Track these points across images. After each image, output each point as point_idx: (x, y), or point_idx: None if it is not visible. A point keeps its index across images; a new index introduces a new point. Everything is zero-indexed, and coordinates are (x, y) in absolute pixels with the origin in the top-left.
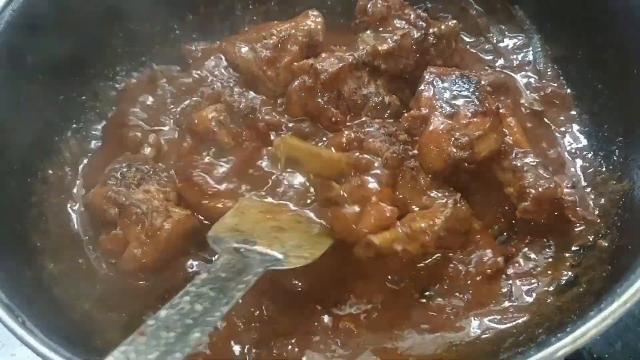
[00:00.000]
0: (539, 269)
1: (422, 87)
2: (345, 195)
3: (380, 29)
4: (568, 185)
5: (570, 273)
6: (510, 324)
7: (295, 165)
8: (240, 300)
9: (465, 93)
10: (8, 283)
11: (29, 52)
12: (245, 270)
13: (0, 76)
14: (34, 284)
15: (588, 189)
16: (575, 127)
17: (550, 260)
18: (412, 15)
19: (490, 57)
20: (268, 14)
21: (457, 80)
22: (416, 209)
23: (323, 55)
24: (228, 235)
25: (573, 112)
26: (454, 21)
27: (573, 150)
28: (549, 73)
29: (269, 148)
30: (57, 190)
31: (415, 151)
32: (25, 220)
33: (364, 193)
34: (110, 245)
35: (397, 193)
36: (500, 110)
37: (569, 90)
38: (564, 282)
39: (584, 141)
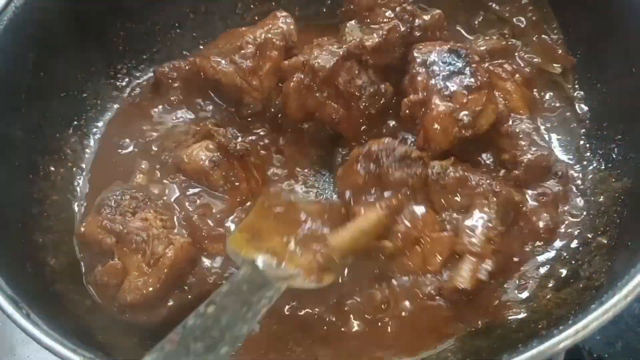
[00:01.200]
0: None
1: (414, 69)
2: (400, 244)
3: (367, 20)
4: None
5: (569, 270)
6: (510, 320)
7: (350, 255)
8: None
9: (457, 68)
10: (12, 277)
11: (31, 50)
12: (266, 285)
13: (2, 73)
14: (36, 279)
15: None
16: (575, 125)
17: (549, 257)
18: (398, 8)
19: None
20: (269, 13)
21: (446, 56)
22: (459, 216)
23: (315, 52)
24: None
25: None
26: (438, 11)
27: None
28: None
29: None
30: (59, 187)
31: (434, 166)
32: (27, 216)
33: (413, 234)
34: (107, 277)
35: (438, 214)
36: (502, 75)
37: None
38: (563, 278)
39: (583, 139)
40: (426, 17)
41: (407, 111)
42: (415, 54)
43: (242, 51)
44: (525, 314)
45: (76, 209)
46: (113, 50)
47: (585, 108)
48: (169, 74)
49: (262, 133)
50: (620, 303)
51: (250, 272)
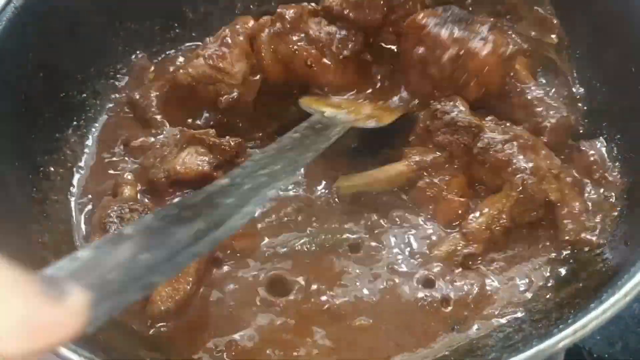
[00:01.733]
0: (538, 264)
1: (431, 32)
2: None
3: None
4: None
5: (569, 270)
6: (509, 320)
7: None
8: None
9: (467, 18)
10: None
11: (30, 50)
12: (335, 125)
13: (1, 73)
14: None
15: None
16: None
17: (548, 256)
18: None
19: None
20: (268, 14)
21: (451, 14)
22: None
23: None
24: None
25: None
26: None
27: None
28: None
29: None
30: (58, 187)
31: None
32: (26, 216)
33: (434, 192)
34: None
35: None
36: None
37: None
38: (562, 278)
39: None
40: None
41: (451, 67)
42: (425, 21)
43: (207, 45)
44: (525, 314)
45: (73, 209)
46: (112, 50)
47: (585, 107)
48: (142, 98)
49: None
50: (619, 302)
51: (320, 119)
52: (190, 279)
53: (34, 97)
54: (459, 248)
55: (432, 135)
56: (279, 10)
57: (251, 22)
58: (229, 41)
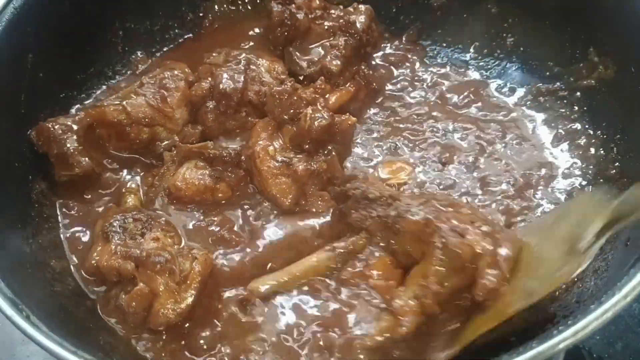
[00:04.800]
0: None
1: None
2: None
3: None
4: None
5: None
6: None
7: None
8: None
9: None
10: (11, 279)
11: (30, 51)
12: None
13: (1, 73)
14: (36, 280)
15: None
16: (574, 125)
17: None
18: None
19: None
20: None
21: None
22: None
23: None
24: None
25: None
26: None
27: (572, 149)
28: None
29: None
30: (58, 188)
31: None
32: (26, 217)
33: (360, 280)
34: (135, 303)
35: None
36: None
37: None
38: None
39: (582, 139)
40: (360, 17)
41: None
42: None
43: (145, 85)
44: (526, 314)
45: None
46: (112, 51)
47: (585, 107)
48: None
49: None
50: (619, 303)
51: None
52: (193, 291)
53: (33, 97)
54: (388, 334)
55: (346, 217)
56: (220, 88)
57: (187, 69)
58: (170, 85)
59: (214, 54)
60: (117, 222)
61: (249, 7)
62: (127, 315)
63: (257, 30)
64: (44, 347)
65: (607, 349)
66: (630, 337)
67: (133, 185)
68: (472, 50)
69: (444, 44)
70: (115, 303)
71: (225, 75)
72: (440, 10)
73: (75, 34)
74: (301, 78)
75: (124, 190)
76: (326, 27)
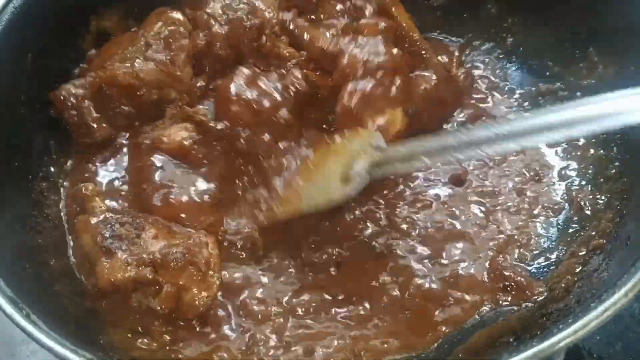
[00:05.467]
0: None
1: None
2: None
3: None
4: None
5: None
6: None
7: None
8: None
9: None
10: (11, 278)
11: (30, 51)
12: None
13: (2, 74)
14: (35, 279)
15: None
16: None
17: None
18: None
19: None
20: None
21: None
22: None
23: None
24: None
25: None
26: None
27: (570, 149)
28: None
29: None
30: (57, 188)
31: None
32: (26, 217)
33: None
34: (167, 304)
35: None
36: None
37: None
38: (562, 277)
39: (581, 140)
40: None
41: None
42: None
43: (154, 47)
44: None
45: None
46: None
47: None
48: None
49: None
50: (620, 301)
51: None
52: (218, 274)
53: (33, 98)
54: None
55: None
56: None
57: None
58: (175, 43)
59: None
60: (107, 232)
61: None
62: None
63: None
64: (44, 346)
65: (607, 349)
66: (630, 337)
67: (90, 187)
68: (471, 49)
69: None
70: (140, 307)
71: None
72: (439, 10)
73: (75, 34)
74: None
75: (87, 194)
76: (338, 9)
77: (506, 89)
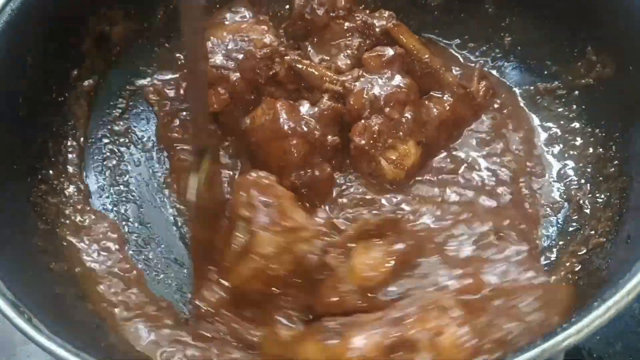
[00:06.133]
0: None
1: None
2: None
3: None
4: None
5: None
6: None
7: None
8: None
9: None
10: (12, 281)
11: (29, 53)
12: None
13: (1, 76)
14: (37, 283)
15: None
16: (572, 124)
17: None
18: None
19: None
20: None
21: None
22: None
23: None
24: None
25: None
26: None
27: (568, 148)
28: None
29: None
30: (57, 190)
31: None
32: (25, 219)
33: None
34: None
35: None
36: None
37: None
38: (562, 277)
39: (580, 139)
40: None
41: None
42: None
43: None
44: None
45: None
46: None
47: (583, 106)
48: None
49: None
50: (622, 300)
51: None
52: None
53: (32, 100)
54: None
55: None
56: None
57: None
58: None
59: None
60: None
61: None
62: None
63: None
64: (47, 350)
65: (607, 349)
66: (630, 337)
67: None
68: (469, 49)
69: (442, 44)
70: None
71: None
72: (437, 10)
73: (74, 35)
74: None
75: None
76: (345, 28)
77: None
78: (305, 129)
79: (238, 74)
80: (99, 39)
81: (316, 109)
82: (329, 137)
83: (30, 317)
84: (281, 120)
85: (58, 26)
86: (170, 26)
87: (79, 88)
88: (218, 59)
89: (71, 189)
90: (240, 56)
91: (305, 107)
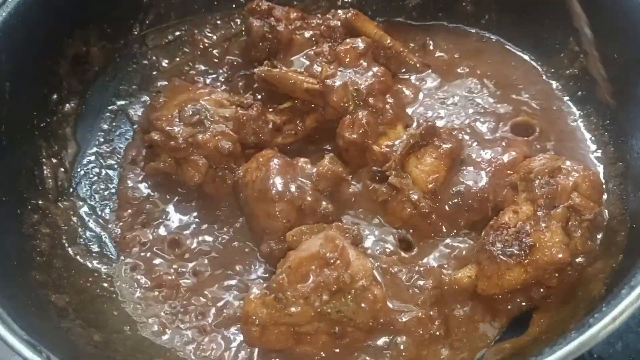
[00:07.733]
0: None
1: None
2: None
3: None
4: None
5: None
6: None
7: None
8: None
9: None
10: (22, 320)
11: (7, 80)
12: None
13: None
14: (41, 317)
15: None
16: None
17: None
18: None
19: None
20: None
21: None
22: None
23: None
24: None
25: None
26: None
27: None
28: None
29: None
30: (49, 220)
31: None
32: (20, 253)
33: None
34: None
35: None
36: None
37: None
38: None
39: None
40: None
41: None
42: None
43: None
44: None
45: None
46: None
47: (571, 96)
48: None
49: None
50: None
51: None
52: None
53: (14, 126)
54: None
55: None
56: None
57: None
58: None
59: None
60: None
61: None
62: None
63: None
64: None
65: (607, 349)
66: (630, 337)
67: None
68: None
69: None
70: None
71: None
72: (415, 11)
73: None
74: None
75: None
76: (307, 37)
77: None
78: (296, 193)
79: (208, 134)
80: (75, 61)
81: (314, 170)
82: (323, 203)
83: (49, 356)
84: (271, 181)
85: (35, 49)
86: (148, 43)
87: (60, 112)
88: (185, 130)
89: (64, 218)
90: (195, 119)
91: (302, 166)
